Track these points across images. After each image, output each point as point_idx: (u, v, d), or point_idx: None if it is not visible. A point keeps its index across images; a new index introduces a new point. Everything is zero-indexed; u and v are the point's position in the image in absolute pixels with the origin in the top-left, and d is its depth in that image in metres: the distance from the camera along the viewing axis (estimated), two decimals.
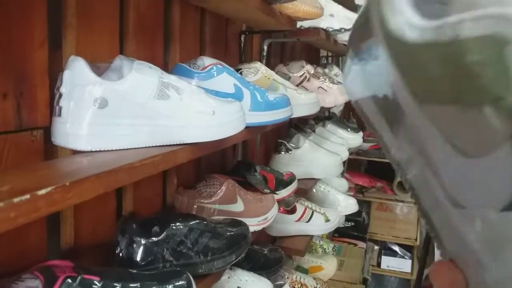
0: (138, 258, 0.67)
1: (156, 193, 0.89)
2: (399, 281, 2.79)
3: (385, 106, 0.27)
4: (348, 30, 1.49)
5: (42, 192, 0.34)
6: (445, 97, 0.22)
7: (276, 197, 1.08)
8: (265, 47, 1.36)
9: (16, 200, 0.31)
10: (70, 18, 0.61)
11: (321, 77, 1.41)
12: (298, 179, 1.24)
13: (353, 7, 1.65)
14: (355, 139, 1.97)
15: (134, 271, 0.60)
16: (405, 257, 2.71)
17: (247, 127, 0.66)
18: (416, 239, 2.69)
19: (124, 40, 0.75)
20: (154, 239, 0.68)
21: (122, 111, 0.51)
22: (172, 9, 0.89)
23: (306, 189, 1.37)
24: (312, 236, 1.50)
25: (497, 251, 0.22)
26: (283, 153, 1.43)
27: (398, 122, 0.26)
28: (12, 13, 0.52)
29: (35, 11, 0.55)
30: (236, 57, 1.24)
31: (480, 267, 0.23)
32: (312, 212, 1.45)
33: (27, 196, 0.32)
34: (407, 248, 2.73)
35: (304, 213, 1.44)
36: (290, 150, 1.44)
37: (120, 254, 0.67)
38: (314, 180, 1.45)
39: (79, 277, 0.50)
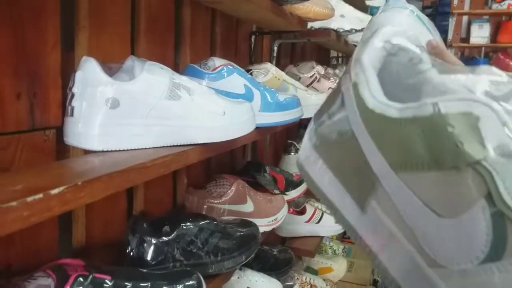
0: (149, 257, 0.67)
1: (166, 193, 0.90)
2: None
3: (354, 179, 0.27)
4: (358, 31, 1.48)
5: (54, 191, 0.34)
6: (424, 164, 0.23)
7: (286, 198, 1.08)
8: (275, 48, 1.36)
9: (29, 199, 0.32)
10: (82, 20, 0.62)
11: (332, 78, 1.40)
12: None
13: (364, 8, 1.65)
14: None
15: (145, 270, 0.60)
16: None
17: (257, 128, 0.66)
18: None
19: (135, 41, 0.75)
20: (165, 238, 0.68)
21: (133, 111, 0.51)
22: (183, 10, 0.89)
23: None
24: (322, 237, 1.49)
25: None
26: (292, 153, 1.43)
27: (369, 195, 0.27)
28: (26, 15, 0.53)
29: (48, 13, 0.56)
30: (246, 57, 1.24)
31: None
32: (322, 213, 1.45)
33: (40, 195, 0.33)
34: None
35: (314, 214, 1.43)
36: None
37: (131, 254, 0.68)
38: None
39: (91, 276, 0.51)
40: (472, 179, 0.22)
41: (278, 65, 1.31)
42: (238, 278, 0.99)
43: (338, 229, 1.51)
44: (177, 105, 0.53)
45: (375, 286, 2.20)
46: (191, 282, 0.61)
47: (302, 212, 1.43)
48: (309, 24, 1.27)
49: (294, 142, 1.44)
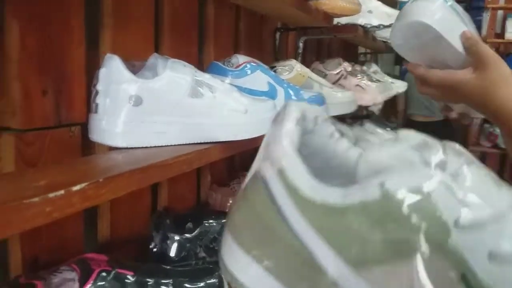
0: (172, 253, 0.68)
1: (190, 190, 0.90)
2: None
3: (304, 285, 0.23)
4: (387, 26, 1.44)
5: (76, 188, 0.34)
6: (387, 255, 0.21)
7: None
8: (301, 44, 1.34)
9: (51, 195, 0.32)
10: (107, 18, 0.63)
11: (359, 75, 1.37)
12: None
13: (393, 3, 1.61)
14: None
15: (168, 267, 0.60)
16: None
17: None
18: None
19: (159, 38, 0.76)
20: (188, 235, 0.69)
21: (156, 108, 0.51)
22: (206, 7, 0.89)
23: None
24: None
25: None
26: None
27: None
28: (53, 14, 0.54)
29: (73, 12, 0.57)
30: (270, 54, 1.23)
31: None
32: None
33: (62, 191, 0.33)
34: None
35: None
36: None
37: (154, 249, 0.69)
38: None
39: (114, 271, 0.51)
40: (444, 260, 0.20)
41: (303, 62, 1.30)
42: None
43: None
44: (199, 102, 0.53)
45: None
46: (212, 280, 0.61)
47: None
48: (336, 20, 1.25)
49: None
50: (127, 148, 0.50)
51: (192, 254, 0.69)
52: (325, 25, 1.15)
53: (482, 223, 0.20)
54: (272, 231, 0.23)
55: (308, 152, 0.25)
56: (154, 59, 0.54)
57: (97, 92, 0.49)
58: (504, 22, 3.55)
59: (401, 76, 2.43)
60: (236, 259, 0.25)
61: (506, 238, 0.20)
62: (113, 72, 0.49)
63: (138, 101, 0.49)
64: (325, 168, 0.25)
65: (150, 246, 0.69)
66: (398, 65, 3.60)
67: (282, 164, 0.22)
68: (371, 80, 1.39)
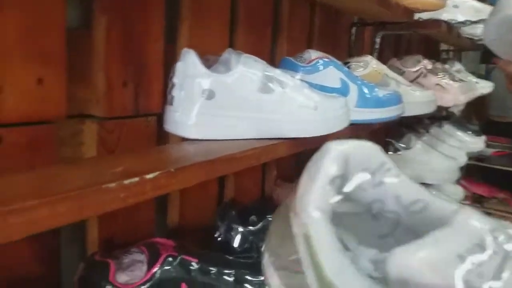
0: (235, 244, 0.69)
1: (255, 183, 0.91)
2: None
3: None
4: (474, 22, 1.34)
5: (150, 176, 0.36)
6: None
7: None
8: (378, 40, 1.29)
9: (126, 182, 0.34)
10: (185, 12, 0.65)
11: (440, 73, 1.29)
12: None
13: None
14: (475, 143, 1.77)
15: (231, 257, 0.62)
16: None
17: (351, 124, 0.64)
18: None
19: (233, 34, 0.77)
20: (251, 228, 0.70)
21: (227, 103, 0.52)
22: (281, 1, 0.89)
23: None
24: None
25: None
26: (390, 153, 1.36)
27: None
28: (135, 10, 0.57)
29: (154, 8, 0.59)
30: (345, 50, 1.20)
31: None
32: None
33: (136, 179, 0.35)
34: None
35: None
36: (399, 150, 1.35)
37: (219, 238, 0.70)
38: (425, 186, 1.35)
39: (179, 257, 0.53)
40: None
41: (380, 58, 1.24)
42: None
43: None
44: (269, 98, 0.53)
45: None
46: None
47: None
48: (417, 15, 1.18)
49: (393, 141, 1.37)
50: (198, 140, 0.51)
51: (254, 247, 0.69)
52: (405, 20, 1.09)
53: None
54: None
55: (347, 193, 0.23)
56: (228, 54, 0.55)
57: (173, 85, 0.51)
58: None
59: (486, 76, 2.25)
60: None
61: None
62: (189, 66, 0.50)
63: (211, 95, 0.51)
64: (363, 214, 0.23)
65: (215, 235, 0.71)
66: (484, 64, 3.34)
67: (308, 230, 0.20)
68: (453, 79, 1.30)
